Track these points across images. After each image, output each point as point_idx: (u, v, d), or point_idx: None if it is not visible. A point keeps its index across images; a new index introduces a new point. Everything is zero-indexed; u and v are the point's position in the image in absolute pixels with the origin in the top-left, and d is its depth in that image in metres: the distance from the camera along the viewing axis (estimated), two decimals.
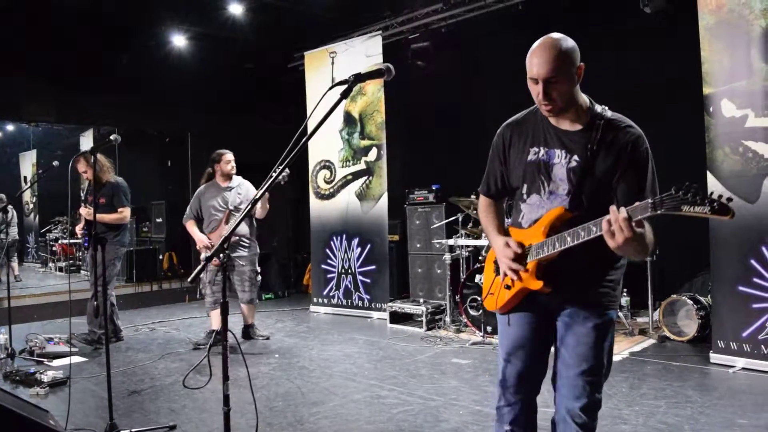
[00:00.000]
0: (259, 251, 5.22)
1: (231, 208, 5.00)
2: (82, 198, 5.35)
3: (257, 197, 2.11)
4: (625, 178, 1.86)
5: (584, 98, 1.96)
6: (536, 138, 2.01)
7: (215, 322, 4.96)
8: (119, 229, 5.12)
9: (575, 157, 1.91)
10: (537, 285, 1.92)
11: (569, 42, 1.85)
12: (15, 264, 9.59)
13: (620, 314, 5.06)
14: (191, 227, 5.12)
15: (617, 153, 1.86)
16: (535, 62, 1.85)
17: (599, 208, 1.77)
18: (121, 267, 5.83)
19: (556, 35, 1.85)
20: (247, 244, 5.05)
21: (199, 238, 5.02)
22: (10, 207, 9.15)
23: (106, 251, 5.09)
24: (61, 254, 10.27)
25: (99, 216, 4.89)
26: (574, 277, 1.93)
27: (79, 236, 5.25)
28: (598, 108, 1.94)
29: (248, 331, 5.38)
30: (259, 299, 7.85)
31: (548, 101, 1.86)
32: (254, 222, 5.20)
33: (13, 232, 9.12)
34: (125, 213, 5.08)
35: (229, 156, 5.14)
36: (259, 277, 5.27)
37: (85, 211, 4.95)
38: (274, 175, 1.89)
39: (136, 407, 3.53)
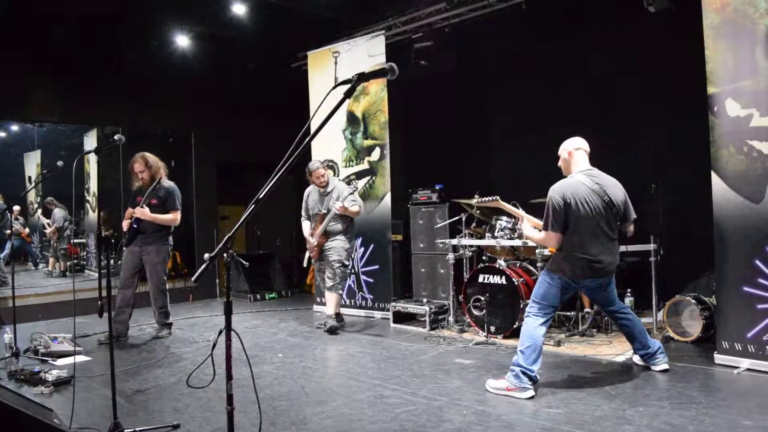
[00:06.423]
0: (349, 245, 5.71)
1: (324, 211, 5.64)
2: (130, 198, 5.50)
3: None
4: None
5: None
6: None
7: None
8: (166, 230, 5.39)
9: None
10: None
11: None
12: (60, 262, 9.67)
13: None
14: (303, 226, 5.88)
15: None
16: None
17: None
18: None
19: None
20: (337, 239, 5.61)
21: (306, 236, 5.80)
22: (57, 208, 9.24)
23: (158, 252, 5.31)
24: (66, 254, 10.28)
25: (153, 216, 5.21)
26: None
27: (124, 230, 5.38)
28: None
29: (327, 321, 5.64)
30: (262, 299, 7.92)
31: None
32: (349, 220, 5.73)
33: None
34: (177, 216, 5.37)
35: (318, 172, 5.64)
36: (347, 270, 5.88)
37: (140, 212, 5.14)
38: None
39: (140, 406, 3.54)
